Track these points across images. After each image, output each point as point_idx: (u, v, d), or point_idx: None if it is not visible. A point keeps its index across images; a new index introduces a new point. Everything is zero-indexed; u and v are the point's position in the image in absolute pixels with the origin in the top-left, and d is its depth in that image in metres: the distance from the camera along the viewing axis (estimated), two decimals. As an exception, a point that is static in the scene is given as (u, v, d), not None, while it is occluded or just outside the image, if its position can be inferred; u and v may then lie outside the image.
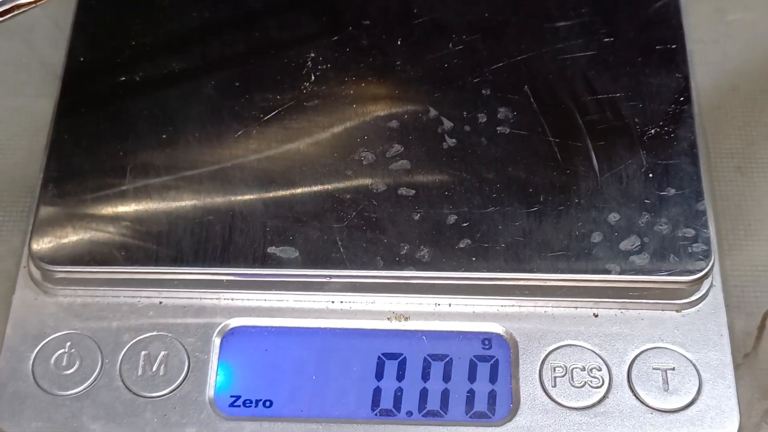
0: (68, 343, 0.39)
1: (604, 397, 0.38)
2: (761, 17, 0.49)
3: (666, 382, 0.38)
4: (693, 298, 0.39)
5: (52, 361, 0.39)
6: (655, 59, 0.43)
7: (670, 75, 0.42)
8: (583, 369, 0.38)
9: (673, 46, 0.43)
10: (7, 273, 0.42)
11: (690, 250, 0.39)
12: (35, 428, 0.37)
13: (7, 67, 0.48)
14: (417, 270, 0.39)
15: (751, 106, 0.47)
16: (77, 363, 0.39)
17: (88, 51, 0.44)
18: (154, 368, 0.38)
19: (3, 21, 0.38)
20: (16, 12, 0.38)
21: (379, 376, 0.38)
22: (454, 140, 0.41)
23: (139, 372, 0.38)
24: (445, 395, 0.38)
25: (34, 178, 0.44)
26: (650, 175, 0.40)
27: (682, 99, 0.42)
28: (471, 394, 0.38)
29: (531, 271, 0.38)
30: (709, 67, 0.47)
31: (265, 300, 0.40)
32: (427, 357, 0.39)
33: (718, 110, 0.46)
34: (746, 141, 0.46)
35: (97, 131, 0.42)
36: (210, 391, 0.38)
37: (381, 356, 0.39)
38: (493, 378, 0.38)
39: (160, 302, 0.40)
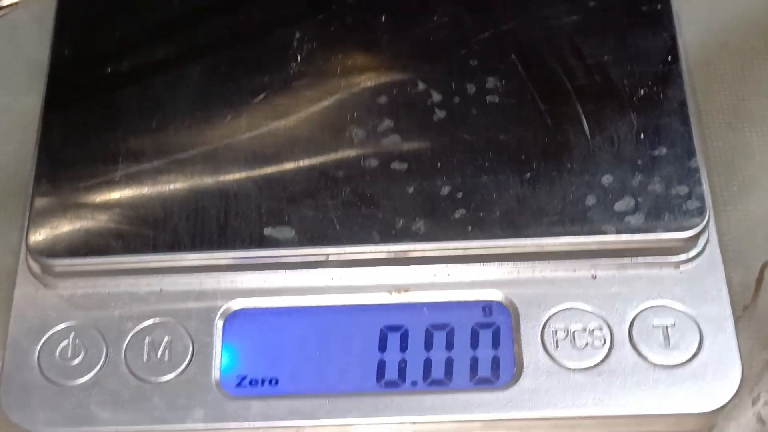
0: (72, 334, 0.39)
1: (607, 356, 0.38)
2: (747, -26, 0.49)
3: (667, 338, 0.38)
4: (690, 254, 0.39)
5: (57, 352, 0.39)
6: (641, 21, 0.43)
7: (657, 36, 0.42)
8: (585, 330, 0.38)
9: (659, 7, 0.43)
10: (7, 269, 0.42)
11: (685, 207, 0.39)
12: (44, 418, 0.38)
13: (-7, 65, 0.49)
14: (414, 242, 0.39)
15: (740, 62, 0.47)
16: (82, 353, 0.39)
17: (71, 45, 0.44)
18: (159, 354, 0.39)
19: None
20: None
21: (382, 348, 0.39)
22: (444, 112, 0.41)
23: (144, 358, 0.39)
24: (448, 364, 0.38)
25: (26, 174, 0.44)
26: (641, 136, 0.40)
27: (669, 59, 0.42)
28: (474, 361, 0.38)
29: (527, 236, 0.39)
30: (697, 25, 0.47)
31: (265, 281, 0.40)
32: (429, 327, 0.39)
33: (707, 68, 0.47)
34: (736, 97, 0.46)
35: (86, 123, 0.42)
36: (215, 373, 0.38)
37: (383, 329, 0.39)
38: (495, 344, 0.39)
39: (161, 289, 0.40)
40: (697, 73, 0.46)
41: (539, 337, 0.38)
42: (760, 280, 0.41)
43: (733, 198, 0.43)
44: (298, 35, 0.43)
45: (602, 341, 0.38)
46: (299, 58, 0.43)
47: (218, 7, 0.44)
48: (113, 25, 0.44)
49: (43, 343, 0.39)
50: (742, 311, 0.41)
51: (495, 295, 0.39)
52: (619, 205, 0.39)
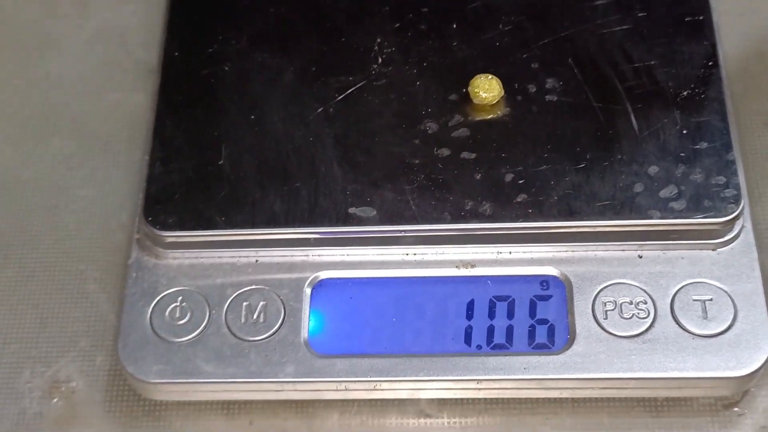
0: (180, 298, 0.44)
1: (651, 326, 0.42)
2: (783, -10, 0.54)
3: (705, 311, 0.42)
4: (726, 237, 0.44)
5: (167, 313, 0.44)
6: (684, 30, 0.47)
7: (698, 43, 0.47)
8: (631, 303, 0.43)
9: (701, 18, 0.48)
10: (119, 244, 0.48)
11: (722, 195, 0.43)
12: (155, 370, 0.43)
13: (105, 66, 0.54)
14: (480, 222, 0.44)
15: (776, 70, 0.51)
16: (188, 314, 0.44)
17: (180, 47, 0.49)
18: (255, 316, 0.44)
19: None
20: None
21: (451, 316, 0.43)
22: (508, 109, 0.46)
23: (242, 320, 0.43)
24: (509, 330, 0.43)
25: (135, 162, 0.50)
26: (684, 131, 0.45)
27: (710, 64, 0.47)
28: (532, 328, 0.43)
29: (581, 219, 0.43)
30: (736, 37, 0.52)
31: (348, 255, 0.45)
32: (493, 298, 0.44)
33: (745, 74, 0.51)
34: (772, 100, 0.50)
35: (194, 116, 0.47)
36: (304, 334, 0.43)
37: (452, 299, 0.44)
38: (551, 314, 0.43)
39: (257, 260, 0.45)
40: (736, 79, 0.50)
41: (590, 308, 0.43)
42: (790, 265, 0.46)
43: (768, 190, 0.48)
44: (379, 40, 0.48)
45: (647, 313, 0.43)
46: (380, 60, 0.48)
47: (310, 16, 0.49)
48: (216, 31, 0.49)
49: (155, 306, 0.44)
50: (774, 291, 0.45)
51: (551, 270, 0.44)
52: (664, 193, 0.44)
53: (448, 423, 0.44)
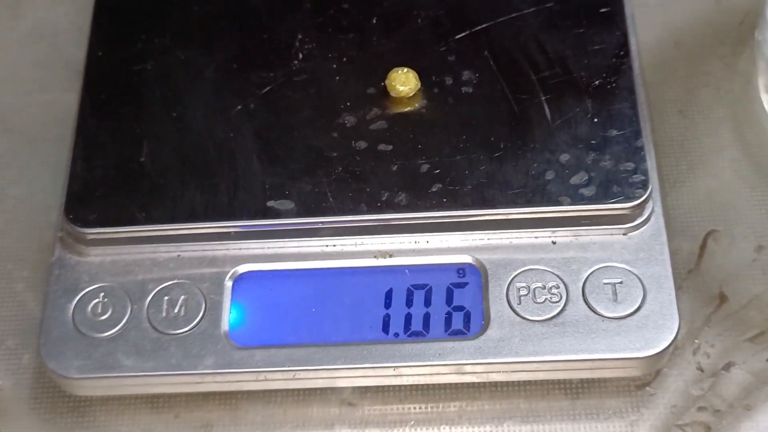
0: (101, 294, 0.45)
1: (563, 309, 0.43)
2: (701, -18, 0.55)
3: (615, 294, 0.43)
4: (636, 222, 0.44)
5: (89, 309, 0.44)
6: (596, 21, 0.48)
7: (610, 33, 0.48)
8: (544, 288, 0.44)
9: (613, 9, 0.49)
10: (46, 242, 0.48)
11: (630, 181, 0.44)
12: (77, 366, 0.43)
13: (37, 66, 0.54)
14: (397, 212, 0.44)
15: (691, 58, 0.52)
16: (110, 310, 0.44)
17: (105, 48, 0.50)
18: (176, 310, 0.44)
19: None
20: None
21: (369, 305, 0.44)
22: (425, 101, 0.47)
23: (163, 314, 0.44)
24: (426, 318, 0.44)
25: (63, 161, 0.49)
26: (595, 120, 0.46)
27: (621, 53, 0.48)
28: (449, 315, 0.44)
29: (495, 207, 0.44)
30: (653, 27, 0.53)
31: (268, 248, 0.45)
32: (410, 287, 0.44)
33: (662, 64, 0.52)
34: (688, 89, 0.51)
35: (116, 113, 0.48)
36: (225, 326, 0.44)
37: (370, 289, 0.44)
38: (467, 301, 0.44)
39: (178, 255, 0.45)
40: (653, 68, 0.51)
41: (505, 294, 0.44)
42: (703, 248, 0.47)
43: (682, 176, 0.48)
44: (299, 36, 0.49)
45: (559, 297, 0.43)
46: (300, 56, 0.49)
47: (231, 15, 0.50)
48: (140, 32, 0.50)
49: (77, 302, 0.44)
50: (687, 274, 0.46)
51: (467, 258, 0.45)
52: (575, 179, 0.44)
53: (370, 411, 0.44)
